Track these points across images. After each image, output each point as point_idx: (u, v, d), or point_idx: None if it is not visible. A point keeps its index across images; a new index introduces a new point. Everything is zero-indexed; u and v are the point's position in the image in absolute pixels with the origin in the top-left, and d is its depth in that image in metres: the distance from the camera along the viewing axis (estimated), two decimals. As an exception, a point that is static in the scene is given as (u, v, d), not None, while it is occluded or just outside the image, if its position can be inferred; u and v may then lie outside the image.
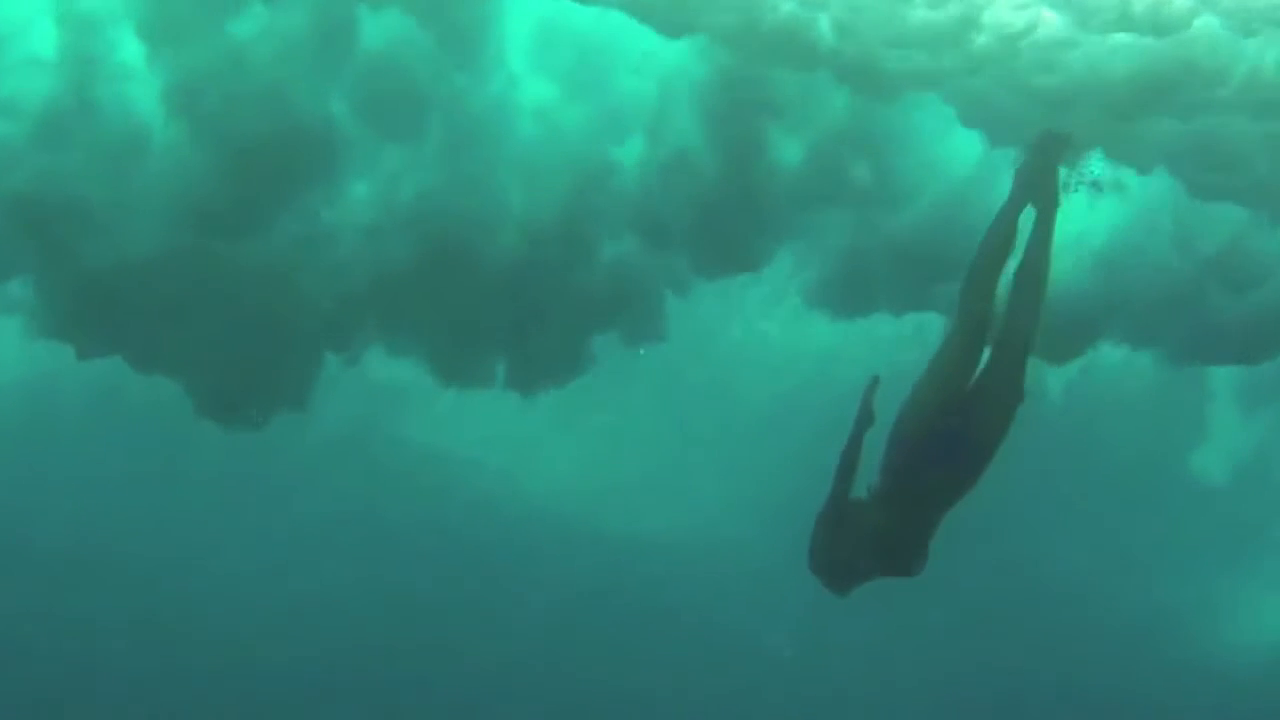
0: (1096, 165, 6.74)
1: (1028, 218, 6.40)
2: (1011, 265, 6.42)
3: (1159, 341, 8.27)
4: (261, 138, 6.92)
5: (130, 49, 6.91)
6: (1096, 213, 7.39)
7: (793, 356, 10.97)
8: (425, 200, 7.43)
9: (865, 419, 6.13)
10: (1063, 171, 6.52)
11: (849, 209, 7.49)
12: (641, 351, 8.05)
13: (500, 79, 7.32)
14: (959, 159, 7.40)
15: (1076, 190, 6.72)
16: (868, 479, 6.10)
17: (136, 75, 6.94)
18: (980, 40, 6.03)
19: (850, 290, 8.04)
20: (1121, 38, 6.06)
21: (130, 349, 7.82)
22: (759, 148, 7.31)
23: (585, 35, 7.33)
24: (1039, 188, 6.41)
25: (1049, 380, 9.15)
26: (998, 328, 6.36)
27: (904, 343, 8.67)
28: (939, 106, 6.99)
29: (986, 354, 6.34)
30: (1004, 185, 6.49)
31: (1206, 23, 6.00)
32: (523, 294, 7.67)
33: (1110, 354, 8.71)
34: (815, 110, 7.23)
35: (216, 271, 7.43)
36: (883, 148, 7.30)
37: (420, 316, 7.82)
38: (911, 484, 6.06)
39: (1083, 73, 6.14)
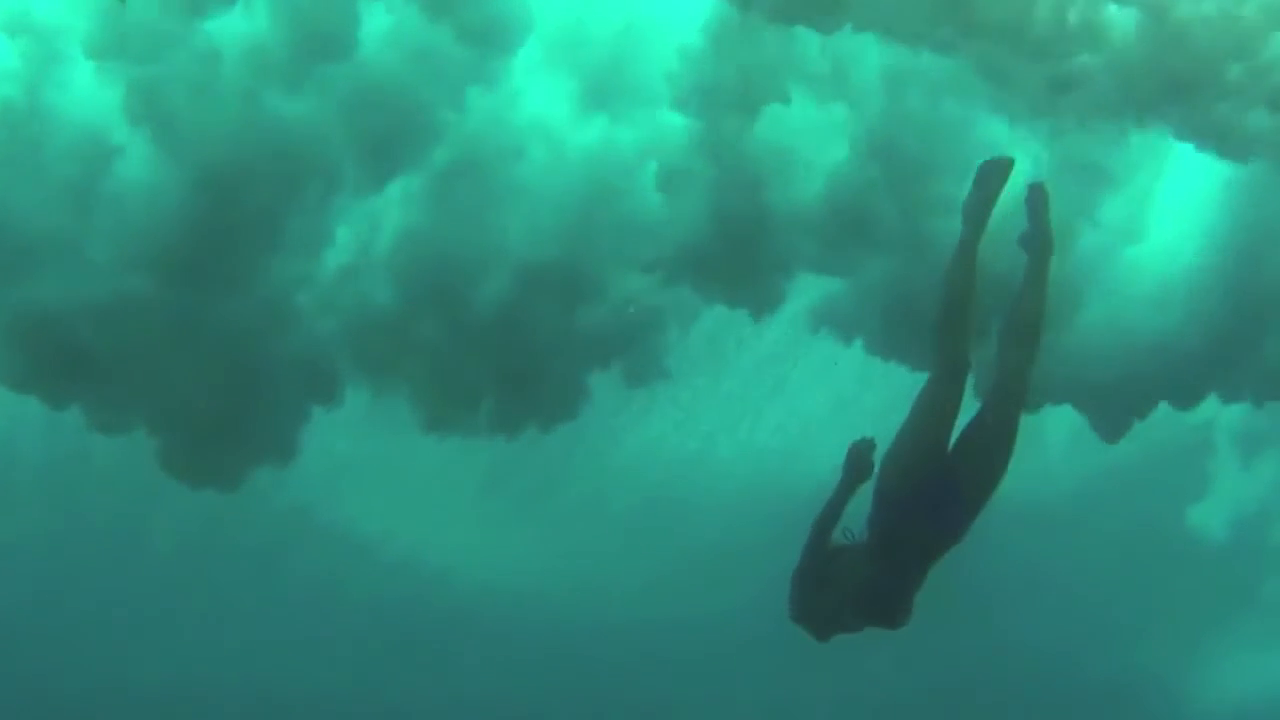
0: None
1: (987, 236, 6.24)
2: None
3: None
4: (238, 160, 6.51)
5: (86, 63, 6.48)
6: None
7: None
8: (419, 235, 7.05)
9: (856, 477, 6.07)
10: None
11: (878, 239, 6.91)
12: (631, 310, 7.65)
13: (505, 94, 6.91)
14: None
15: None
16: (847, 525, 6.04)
17: (92, 92, 6.50)
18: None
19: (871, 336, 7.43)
20: None
21: (89, 397, 7.37)
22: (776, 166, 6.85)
23: (597, 46, 6.93)
24: (1038, 228, 6.28)
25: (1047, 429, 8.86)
26: (992, 378, 6.21)
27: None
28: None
29: (980, 404, 6.23)
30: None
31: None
32: (521, 334, 7.23)
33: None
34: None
35: (186, 313, 6.95)
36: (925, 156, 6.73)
37: (411, 359, 7.36)
38: (897, 537, 5.93)
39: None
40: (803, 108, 6.74)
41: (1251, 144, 6.05)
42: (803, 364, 10.11)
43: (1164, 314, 6.93)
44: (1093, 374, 6.88)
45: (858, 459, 6.11)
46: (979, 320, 6.26)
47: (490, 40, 6.64)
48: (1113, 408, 7.18)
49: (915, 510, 5.88)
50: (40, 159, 6.55)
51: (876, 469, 6.06)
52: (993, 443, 6.03)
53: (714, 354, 9.81)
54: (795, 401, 10.46)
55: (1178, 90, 5.94)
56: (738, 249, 6.95)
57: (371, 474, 10.42)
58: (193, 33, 6.34)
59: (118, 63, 6.39)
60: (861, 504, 6.08)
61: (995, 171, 6.25)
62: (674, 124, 6.84)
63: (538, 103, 6.93)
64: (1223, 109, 5.91)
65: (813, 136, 6.79)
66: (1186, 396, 7.27)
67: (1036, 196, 6.28)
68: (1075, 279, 6.72)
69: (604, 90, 6.93)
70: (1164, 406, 7.27)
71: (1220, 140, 6.14)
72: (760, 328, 9.07)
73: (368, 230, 7.15)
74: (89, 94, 6.51)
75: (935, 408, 6.03)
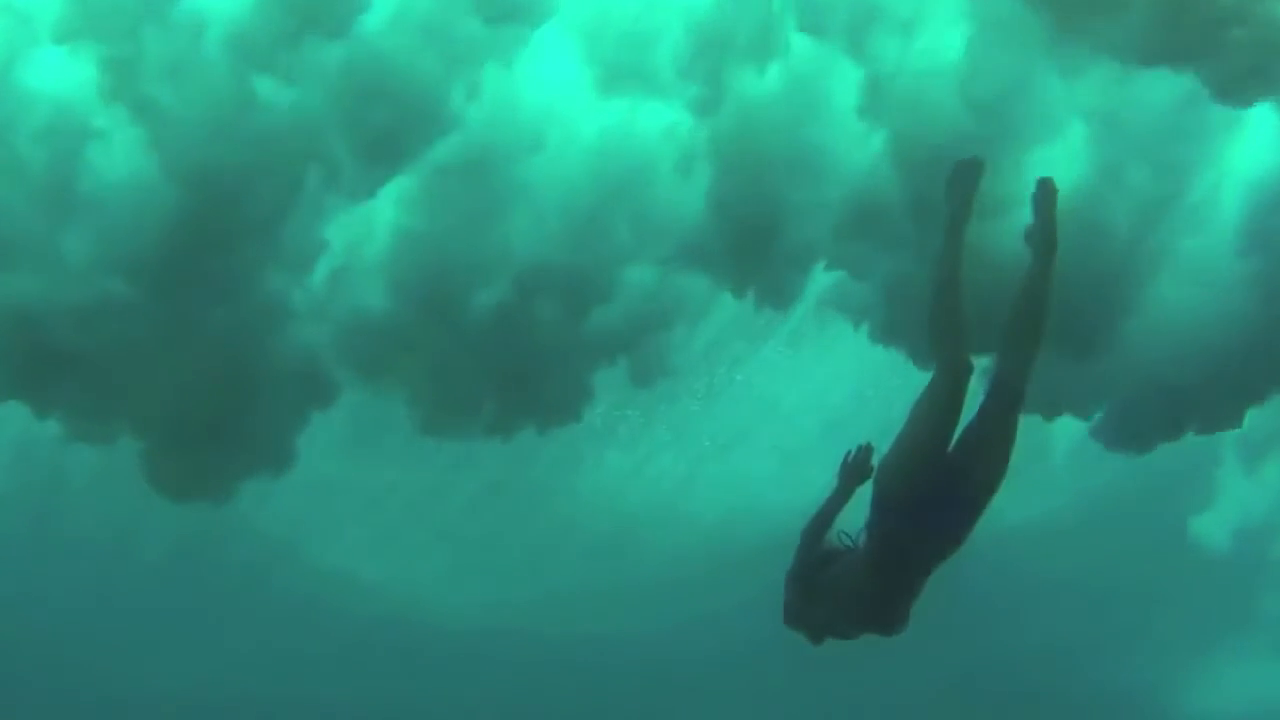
0: None
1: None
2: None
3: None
4: (225, 152, 6.23)
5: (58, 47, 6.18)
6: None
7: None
8: (417, 236, 6.81)
9: (852, 479, 6.01)
10: None
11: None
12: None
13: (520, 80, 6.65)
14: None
15: None
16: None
17: (69, 76, 6.21)
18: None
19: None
20: None
21: (71, 403, 6.96)
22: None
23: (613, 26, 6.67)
24: (1043, 225, 6.01)
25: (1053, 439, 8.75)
26: (992, 377, 5.97)
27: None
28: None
29: (979, 404, 5.96)
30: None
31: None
32: (522, 335, 7.01)
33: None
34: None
35: (171, 316, 6.67)
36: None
37: (412, 362, 7.14)
38: (895, 541, 5.71)
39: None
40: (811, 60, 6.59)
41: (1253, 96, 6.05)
42: (797, 387, 10.07)
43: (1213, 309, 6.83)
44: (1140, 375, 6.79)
45: (855, 461, 6.03)
46: (977, 320, 6.08)
47: (510, 18, 6.37)
48: (1146, 414, 7.09)
49: (914, 513, 5.66)
50: (13, 145, 6.30)
51: (875, 473, 5.87)
52: (992, 444, 5.78)
53: (707, 373, 9.78)
54: (787, 423, 10.41)
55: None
56: (752, 236, 6.78)
57: (352, 500, 10.39)
58: (172, 7, 6.07)
59: (91, 42, 6.12)
60: (860, 509, 5.90)
61: (967, 172, 6.10)
62: (689, 96, 6.65)
63: (550, 89, 6.71)
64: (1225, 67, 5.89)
65: (829, 128, 6.68)
66: (1226, 409, 7.13)
67: (1044, 192, 6.06)
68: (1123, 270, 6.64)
69: (619, 74, 6.69)
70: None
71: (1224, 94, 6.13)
72: (754, 346, 8.98)
73: (365, 229, 6.93)
74: (67, 79, 6.25)
75: (934, 409, 5.82)
